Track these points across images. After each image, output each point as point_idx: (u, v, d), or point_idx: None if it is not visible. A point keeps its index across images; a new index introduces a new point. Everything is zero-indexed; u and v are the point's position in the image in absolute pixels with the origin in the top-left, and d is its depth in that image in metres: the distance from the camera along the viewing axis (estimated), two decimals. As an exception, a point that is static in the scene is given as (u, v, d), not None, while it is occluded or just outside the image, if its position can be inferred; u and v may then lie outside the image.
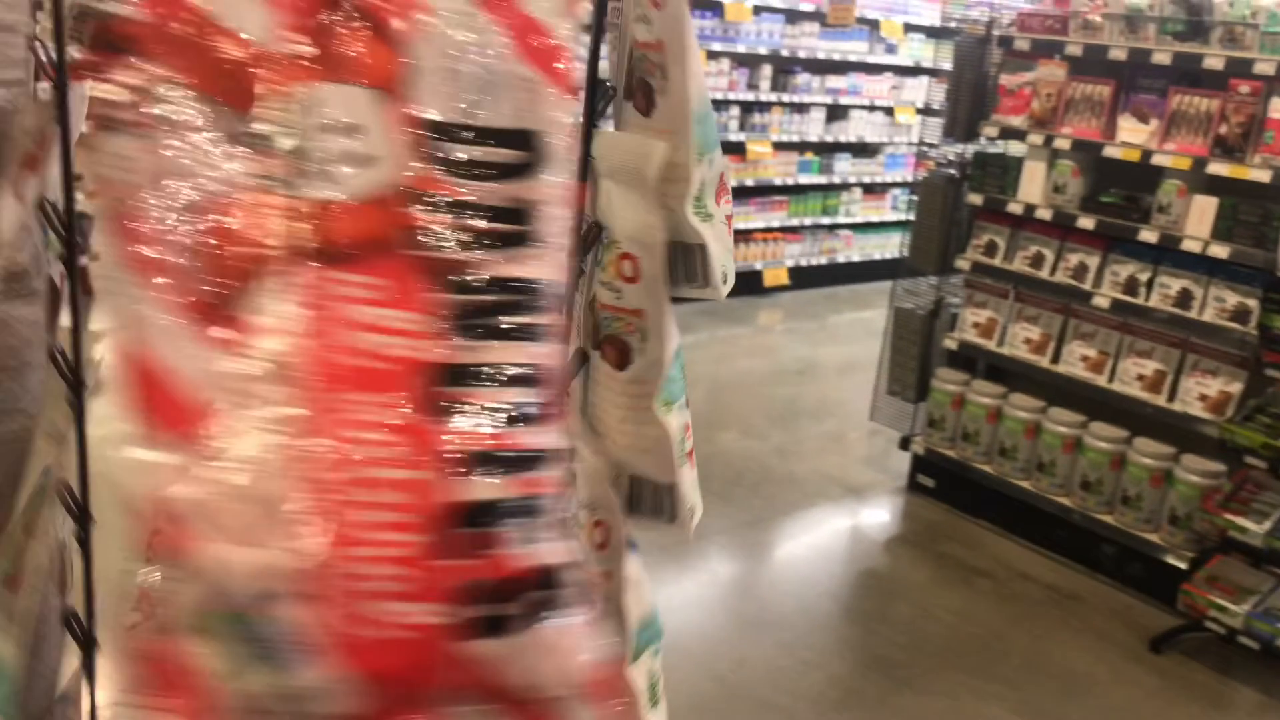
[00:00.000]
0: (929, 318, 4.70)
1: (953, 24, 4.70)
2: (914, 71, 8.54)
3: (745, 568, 4.08)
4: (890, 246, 8.53)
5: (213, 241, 0.81)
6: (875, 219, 8.66)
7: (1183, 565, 3.75)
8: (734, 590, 3.92)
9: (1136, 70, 3.95)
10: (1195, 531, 3.76)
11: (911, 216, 4.83)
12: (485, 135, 0.91)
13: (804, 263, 8.21)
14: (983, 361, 4.60)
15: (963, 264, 4.49)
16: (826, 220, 8.34)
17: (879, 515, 4.66)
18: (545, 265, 0.93)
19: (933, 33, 8.39)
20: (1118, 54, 3.92)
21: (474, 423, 0.86)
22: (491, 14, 0.92)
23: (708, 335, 6.81)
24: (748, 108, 7.64)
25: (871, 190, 8.64)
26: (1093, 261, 4.12)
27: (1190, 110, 3.78)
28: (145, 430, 0.79)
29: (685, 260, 1.43)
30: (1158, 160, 3.82)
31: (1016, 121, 4.27)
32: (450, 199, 0.89)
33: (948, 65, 4.67)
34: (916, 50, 8.48)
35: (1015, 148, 4.40)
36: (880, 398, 4.95)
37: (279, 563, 0.78)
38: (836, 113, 8.19)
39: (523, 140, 0.93)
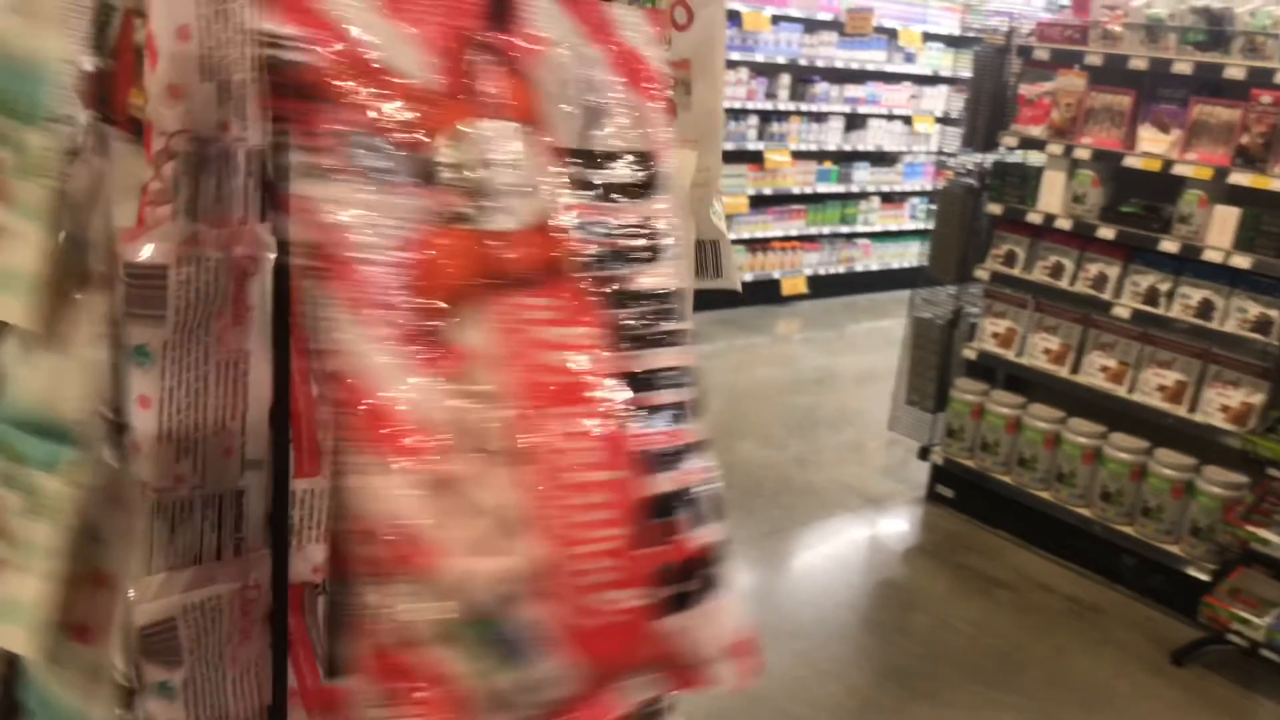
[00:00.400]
0: (948, 327, 4.69)
1: (972, 33, 4.70)
2: (932, 80, 8.54)
3: (764, 577, 4.08)
4: (909, 255, 8.52)
5: (415, 276, 0.87)
6: (894, 228, 8.66)
7: (1204, 577, 3.73)
8: (752, 600, 3.92)
9: (1157, 80, 3.94)
10: (1217, 543, 3.73)
11: (930, 226, 4.82)
12: (612, 159, 1.01)
13: (822, 271, 8.21)
14: (1002, 371, 4.58)
15: (982, 274, 4.48)
16: (845, 229, 8.34)
17: (898, 525, 4.65)
18: (675, 275, 1.04)
19: (951, 42, 8.38)
20: (1138, 64, 3.91)
21: (648, 423, 0.97)
22: (599, 46, 1.02)
23: (725, 344, 6.81)
24: (766, 117, 7.65)
25: (890, 199, 8.64)
26: (1113, 272, 4.11)
27: (1211, 120, 3.77)
28: (377, 459, 0.84)
29: (700, 255, 1.50)
30: (1178, 170, 3.80)
31: (1036, 131, 4.26)
32: (596, 221, 0.98)
33: (967, 74, 4.67)
34: (935, 59, 8.48)
35: (1035, 157, 4.39)
36: (899, 407, 4.94)
37: (516, 567, 0.86)
38: (855, 122, 8.19)
39: (641, 161, 1.03)
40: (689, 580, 0.97)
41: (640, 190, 1.03)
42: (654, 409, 0.98)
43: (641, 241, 1.01)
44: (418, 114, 0.89)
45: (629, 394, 0.96)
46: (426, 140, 0.90)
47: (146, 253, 1.03)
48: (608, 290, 0.98)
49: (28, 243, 0.93)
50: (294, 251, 0.86)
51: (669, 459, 0.98)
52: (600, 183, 1.00)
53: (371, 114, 0.87)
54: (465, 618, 0.84)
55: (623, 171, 1.02)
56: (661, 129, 1.06)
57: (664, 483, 0.96)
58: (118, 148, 0.98)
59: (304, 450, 1.43)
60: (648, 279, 1.01)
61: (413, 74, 0.90)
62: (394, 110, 0.88)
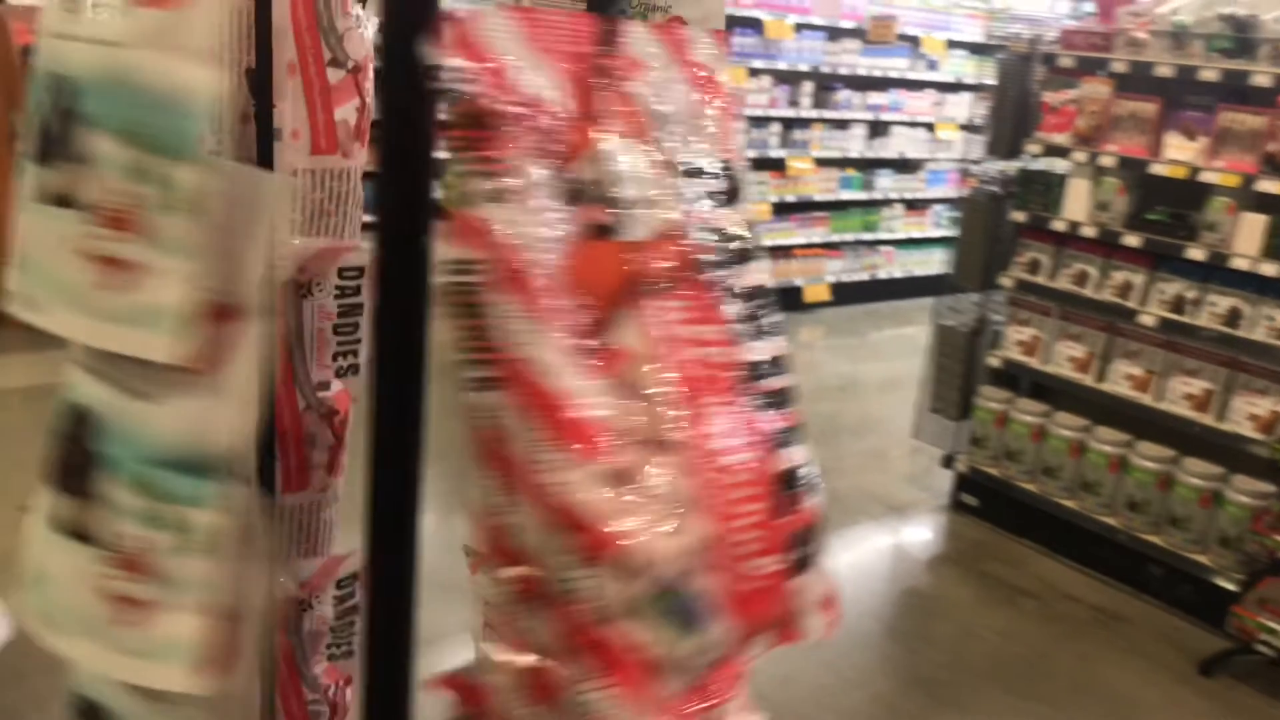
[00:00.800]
0: (972, 335, 4.68)
1: (996, 41, 4.69)
2: (956, 88, 8.51)
3: (786, 585, 4.08)
4: (932, 263, 8.49)
5: (577, 285, 0.97)
6: (917, 235, 8.63)
7: (1232, 587, 3.70)
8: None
9: (1183, 87, 3.92)
10: (1245, 553, 3.70)
11: (954, 233, 4.81)
12: (704, 170, 1.12)
13: (845, 279, 8.20)
14: (1026, 379, 4.57)
15: (1006, 281, 4.47)
16: (868, 236, 8.33)
17: (921, 533, 4.64)
18: (766, 272, 1.16)
19: (975, 49, 8.36)
20: (1164, 71, 3.90)
21: (770, 407, 1.10)
22: (678, 64, 1.13)
23: (748, 351, 6.80)
24: (788, 124, 7.66)
25: (913, 206, 8.62)
26: (1138, 279, 4.09)
27: (1238, 127, 3.75)
28: (568, 455, 0.93)
29: None
30: (1205, 177, 3.78)
31: (1060, 139, 4.25)
32: (704, 226, 1.10)
33: (990, 81, 4.66)
34: (958, 66, 8.46)
35: (1059, 165, 4.38)
36: (923, 415, 4.93)
37: (690, 544, 0.96)
38: (878, 129, 8.18)
39: (726, 170, 1.15)
40: (809, 544, 1.11)
41: (729, 197, 1.15)
42: (768, 394, 1.11)
43: (737, 244, 1.14)
44: (563, 136, 0.99)
45: (754, 382, 1.10)
46: (571, 160, 0.99)
47: None
48: (724, 290, 1.10)
49: (174, 279, 0.93)
50: (469, 269, 0.94)
51: (786, 438, 1.12)
52: (699, 192, 1.11)
53: (531, 139, 0.97)
54: (652, 592, 0.95)
55: (714, 181, 1.13)
56: (736, 141, 1.18)
57: (787, 459, 1.11)
58: (257, 175, 0.98)
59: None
60: (748, 278, 1.14)
61: (555, 100, 0.99)
62: (546, 134, 0.98)
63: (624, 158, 1.04)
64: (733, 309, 1.11)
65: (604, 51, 1.05)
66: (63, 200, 0.96)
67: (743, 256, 1.14)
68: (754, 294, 1.14)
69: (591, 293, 0.98)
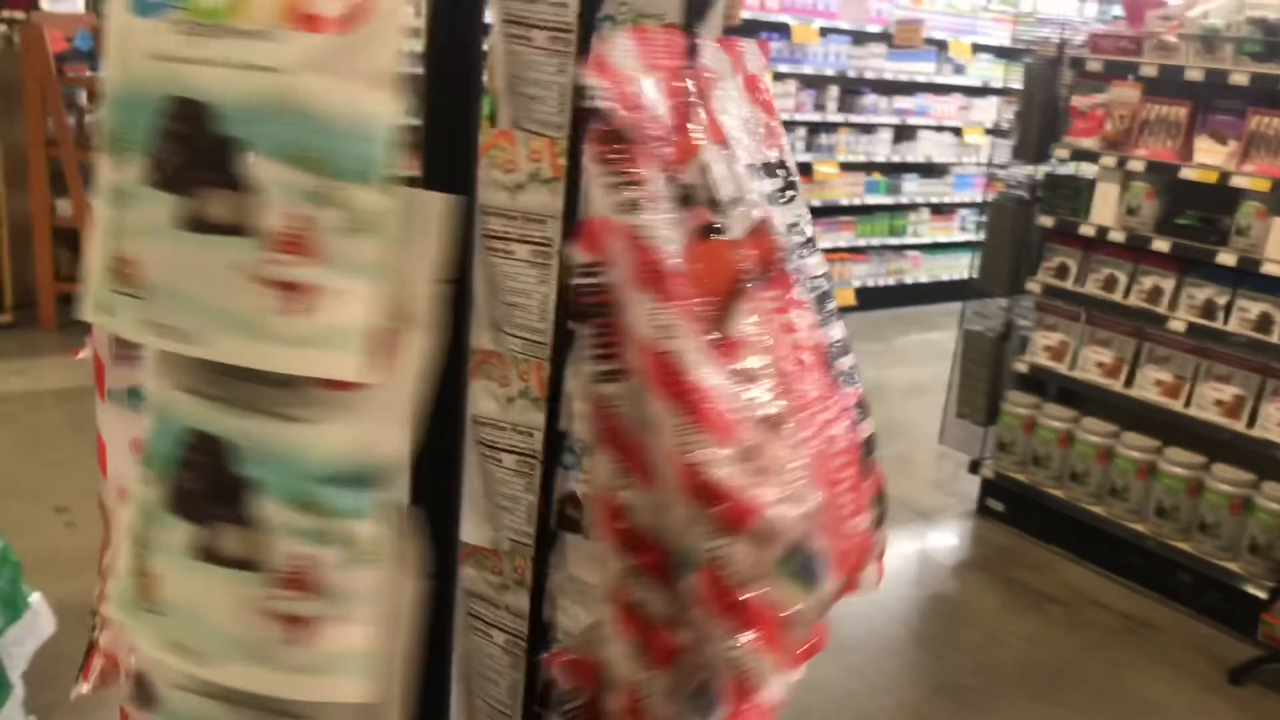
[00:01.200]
0: (999, 340, 4.67)
1: (1023, 45, 4.67)
2: (982, 92, 8.48)
3: (812, 590, 4.08)
4: (959, 267, 8.45)
5: (699, 281, 1.06)
6: (943, 239, 8.60)
7: (1262, 594, 3.67)
8: (801, 612, 3.91)
9: (1213, 91, 3.90)
10: (1276, 560, 3.67)
11: (981, 237, 4.80)
12: (771, 169, 1.23)
13: (870, 283, 8.18)
14: (1054, 385, 4.55)
15: (1033, 286, 4.46)
16: (894, 241, 8.30)
17: (948, 539, 4.62)
18: (824, 263, 1.28)
19: (1002, 53, 8.32)
20: (1194, 75, 3.88)
21: (847, 383, 1.23)
22: (738, 73, 1.24)
23: (773, 356, 6.79)
24: (814, 128, 7.65)
25: (940, 211, 8.58)
26: (1168, 284, 4.06)
27: (1269, 131, 3.72)
28: (708, 436, 1.01)
29: None
30: (1236, 182, 3.76)
31: (1088, 143, 4.23)
32: (779, 221, 1.20)
33: (1017, 85, 4.64)
34: (985, 70, 8.42)
35: (1087, 169, 4.36)
36: (949, 420, 4.92)
37: (808, 509, 1.07)
38: (904, 133, 8.16)
39: (784, 169, 1.26)
40: (881, 505, 1.24)
41: (789, 193, 1.25)
42: (845, 372, 1.22)
43: (801, 236, 1.24)
44: (673, 146, 1.09)
45: (835, 361, 1.20)
46: (679, 166, 1.09)
47: None
48: (800, 278, 1.20)
49: (355, 299, 0.93)
50: (601, 271, 1.03)
51: (862, 410, 1.24)
52: (769, 189, 1.21)
53: (654, 151, 1.06)
54: (782, 555, 1.05)
55: (777, 179, 1.24)
56: (783, 140, 1.28)
57: (865, 429, 1.23)
58: (424, 195, 0.99)
59: None
60: (813, 267, 1.25)
61: (663, 113, 1.09)
62: (663, 145, 1.07)
63: (714, 162, 1.12)
64: (809, 296, 1.21)
65: (689, 64, 1.14)
66: (222, 228, 0.93)
67: (807, 248, 1.24)
68: (821, 280, 1.25)
69: (709, 288, 1.07)
